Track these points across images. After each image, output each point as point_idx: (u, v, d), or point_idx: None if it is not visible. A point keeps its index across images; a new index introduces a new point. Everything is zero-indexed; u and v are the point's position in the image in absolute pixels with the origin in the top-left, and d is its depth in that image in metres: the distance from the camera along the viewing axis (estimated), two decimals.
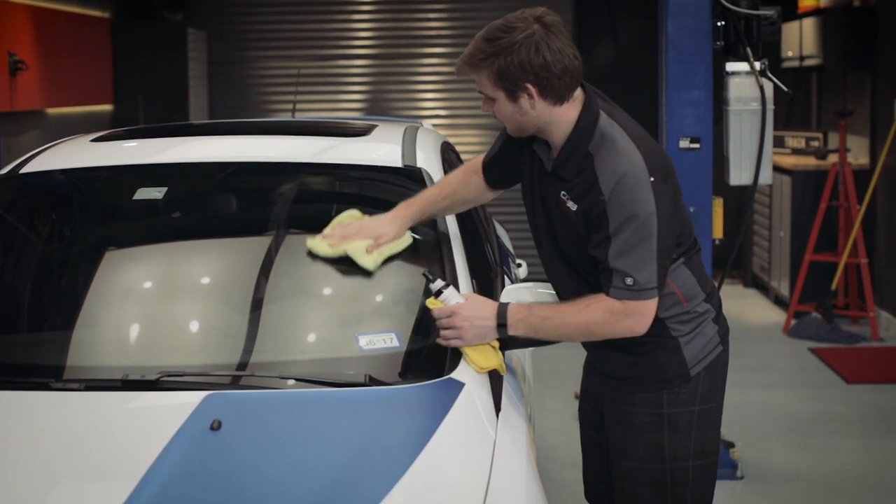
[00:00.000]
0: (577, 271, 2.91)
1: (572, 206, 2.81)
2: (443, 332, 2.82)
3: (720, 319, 3.02)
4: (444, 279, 2.87)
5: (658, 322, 2.87)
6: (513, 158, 3.04)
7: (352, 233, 3.05)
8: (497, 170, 3.12)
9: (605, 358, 3.03)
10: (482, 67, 2.77)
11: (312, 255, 3.05)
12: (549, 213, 2.91)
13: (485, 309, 2.82)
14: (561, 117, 2.80)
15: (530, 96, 2.76)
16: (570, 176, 2.81)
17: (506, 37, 2.73)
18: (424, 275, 2.86)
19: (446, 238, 3.22)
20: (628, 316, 2.77)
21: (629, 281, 2.73)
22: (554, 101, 2.78)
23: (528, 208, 3.02)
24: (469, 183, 3.17)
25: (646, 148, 2.78)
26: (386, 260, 3.04)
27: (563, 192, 2.83)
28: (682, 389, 2.94)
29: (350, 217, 3.12)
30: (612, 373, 3.01)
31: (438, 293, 2.83)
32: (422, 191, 3.18)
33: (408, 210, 3.10)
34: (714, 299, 3.01)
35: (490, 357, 2.83)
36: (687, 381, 2.94)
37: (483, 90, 2.82)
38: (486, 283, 3.41)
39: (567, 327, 2.81)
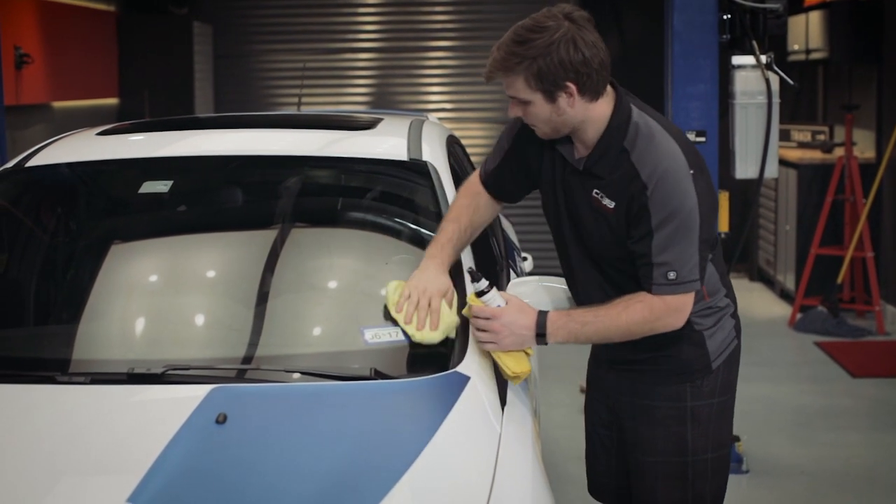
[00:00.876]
0: (606, 275, 2.89)
1: (609, 203, 2.79)
2: (479, 335, 2.79)
3: (736, 314, 3.03)
4: (488, 279, 2.80)
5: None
6: (522, 168, 3.01)
7: (421, 303, 2.86)
8: (505, 183, 3.06)
9: (624, 352, 3.01)
10: (518, 71, 2.72)
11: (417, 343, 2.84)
12: (577, 214, 2.88)
13: (525, 316, 2.78)
14: (596, 114, 2.78)
15: (570, 95, 2.73)
16: (605, 173, 2.79)
17: (540, 37, 2.70)
18: (469, 271, 2.80)
19: None
20: (668, 313, 2.77)
21: (672, 275, 2.72)
22: (591, 98, 2.76)
23: (552, 214, 2.98)
24: (479, 207, 3.07)
25: (682, 141, 2.79)
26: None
27: (595, 191, 2.81)
28: (704, 382, 2.95)
29: (398, 288, 2.91)
30: (632, 366, 3.00)
31: (481, 293, 2.78)
32: (441, 230, 3.01)
33: (443, 254, 2.97)
34: (732, 294, 3.02)
35: (523, 363, 2.80)
36: (709, 374, 2.95)
37: (516, 94, 2.76)
38: (492, 277, 3.41)
39: (608, 330, 2.79)
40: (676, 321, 2.80)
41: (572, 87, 2.72)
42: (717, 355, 2.96)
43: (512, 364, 2.78)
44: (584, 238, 2.89)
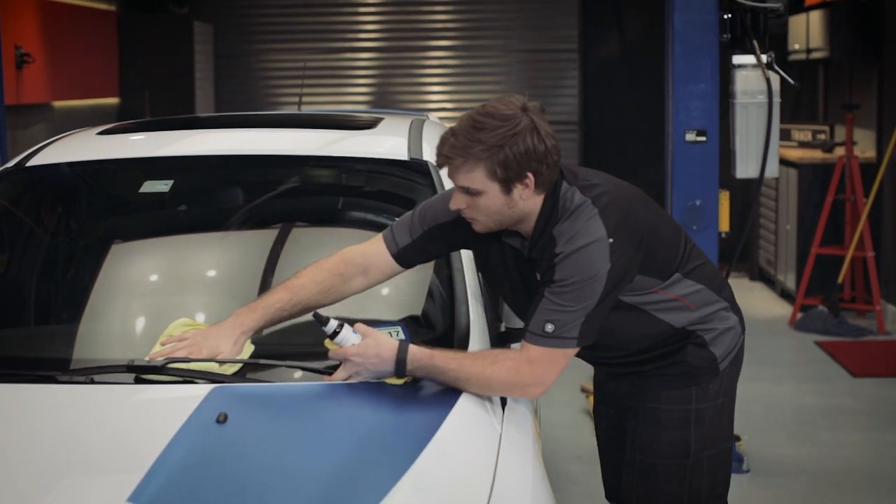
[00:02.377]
0: None
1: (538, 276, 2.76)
2: (338, 374, 2.69)
3: (735, 308, 3.02)
4: (337, 319, 2.70)
5: (680, 330, 2.91)
6: (446, 245, 2.95)
7: (185, 346, 2.74)
8: (417, 257, 2.95)
9: (629, 366, 3.01)
10: (481, 159, 2.64)
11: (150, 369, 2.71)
12: (528, 291, 2.84)
13: (382, 352, 2.66)
14: (537, 205, 2.74)
15: (526, 186, 2.68)
16: (539, 254, 2.76)
17: (505, 125, 2.64)
18: (315, 316, 2.71)
19: None
20: (533, 380, 2.69)
21: (549, 328, 2.67)
22: (542, 190, 2.72)
23: (501, 292, 2.97)
24: (332, 287, 2.86)
25: (610, 212, 2.71)
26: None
27: (538, 274, 2.77)
28: (710, 384, 2.96)
29: (181, 326, 2.81)
30: (638, 373, 3.00)
31: (334, 335, 2.69)
32: (269, 292, 2.86)
33: (250, 317, 2.79)
34: (725, 291, 3.01)
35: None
36: (716, 376, 2.96)
37: (470, 185, 2.68)
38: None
39: (468, 382, 2.68)
40: (538, 391, 2.72)
41: (531, 178, 2.68)
42: (725, 356, 2.97)
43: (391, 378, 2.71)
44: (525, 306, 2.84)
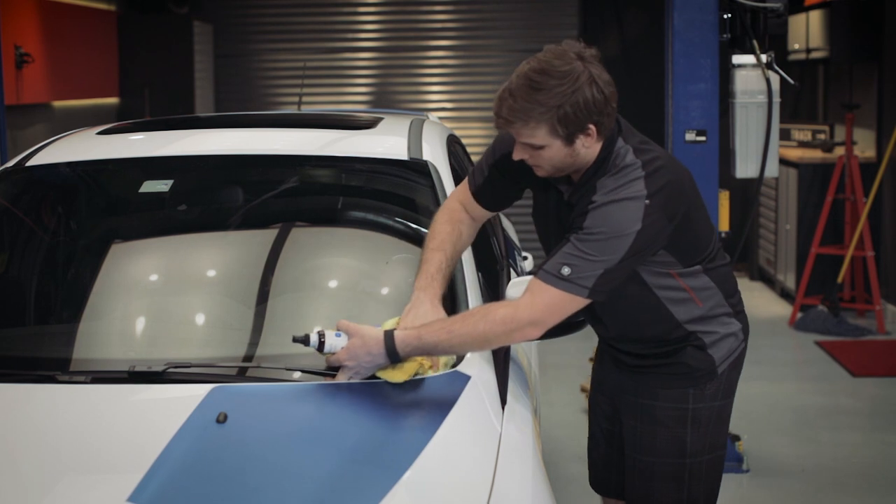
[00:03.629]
0: None
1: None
2: (339, 376, 2.71)
3: (742, 316, 3.02)
4: (316, 330, 2.70)
5: (679, 327, 2.91)
6: (512, 182, 2.99)
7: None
8: (494, 195, 3.02)
9: (629, 358, 3.02)
10: (542, 120, 2.65)
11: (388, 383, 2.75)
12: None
13: (370, 348, 2.67)
14: (597, 152, 2.76)
15: (588, 136, 2.70)
16: (576, 200, 2.78)
17: (562, 83, 2.64)
18: (294, 339, 2.71)
19: None
20: (532, 319, 2.69)
21: (566, 271, 2.66)
22: (603, 137, 2.74)
23: (542, 230, 2.99)
24: (461, 234, 3.00)
25: (656, 176, 2.73)
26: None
27: (571, 220, 2.78)
28: (708, 386, 2.96)
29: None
30: (637, 369, 3.01)
31: (321, 346, 2.70)
32: (427, 260, 2.93)
33: (434, 286, 2.86)
34: (735, 297, 3.01)
35: (409, 370, 2.72)
36: (713, 378, 2.96)
37: (531, 141, 2.70)
38: (492, 277, 3.41)
39: (464, 345, 2.70)
40: (536, 331, 2.70)
41: (593, 129, 2.69)
42: (724, 360, 2.97)
43: (394, 375, 2.71)
44: None
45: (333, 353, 2.70)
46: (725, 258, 3.00)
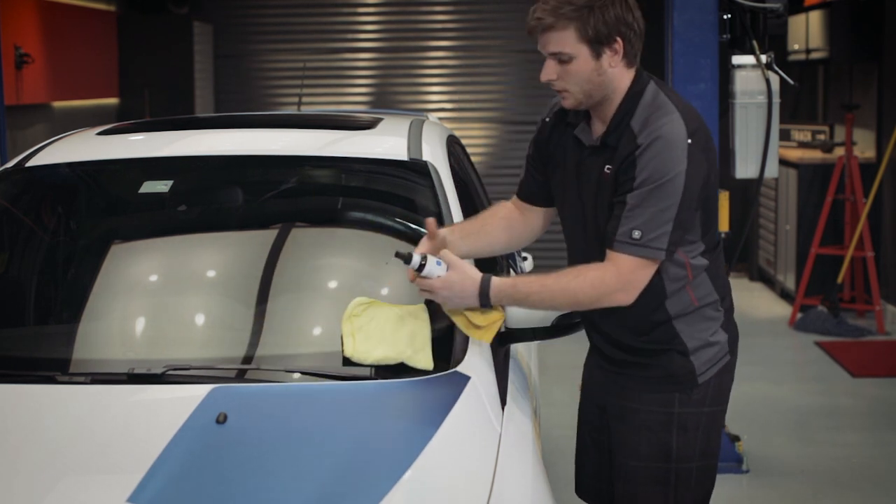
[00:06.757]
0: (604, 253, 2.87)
1: (609, 170, 2.80)
2: (425, 296, 2.81)
3: (730, 327, 2.99)
4: (420, 253, 2.79)
5: (666, 325, 2.88)
6: (542, 166, 3.02)
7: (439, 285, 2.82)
8: (528, 185, 3.07)
9: (618, 353, 3.00)
10: (571, 19, 2.73)
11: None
12: (582, 190, 2.88)
13: (466, 284, 2.77)
14: (623, 83, 2.81)
15: (615, 52, 2.77)
16: (615, 142, 2.80)
17: None
18: (397, 255, 2.78)
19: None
20: (620, 285, 2.74)
21: (637, 234, 2.71)
22: (629, 63, 2.81)
23: (559, 197, 3.00)
24: (485, 223, 3.08)
25: (690, 117, 2.80)
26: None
27: (607, 166, 2.81)
28: (693, 391, 2.94)
29: (359, 305, 2.88)
30: (623, 370, 2.99)
31: (420, 268, 2.77)
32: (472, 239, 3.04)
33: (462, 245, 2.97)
34: (726, 302, 2.99)
35: (491, 316, 2.80)
36: (696, 386, 2.93)
37: (561, 49, 2.75)
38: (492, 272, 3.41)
39: (554, 300, 2.78)
40: (626, 297, 2.76)
41: (620, 44, 2.76)
42: (705, 370, 2.93)
43: (479, 318, 2.79)
44: (587, 214, 2.88)
45: (428, 279, 2.75)
46: (721, 258, 2.99)
